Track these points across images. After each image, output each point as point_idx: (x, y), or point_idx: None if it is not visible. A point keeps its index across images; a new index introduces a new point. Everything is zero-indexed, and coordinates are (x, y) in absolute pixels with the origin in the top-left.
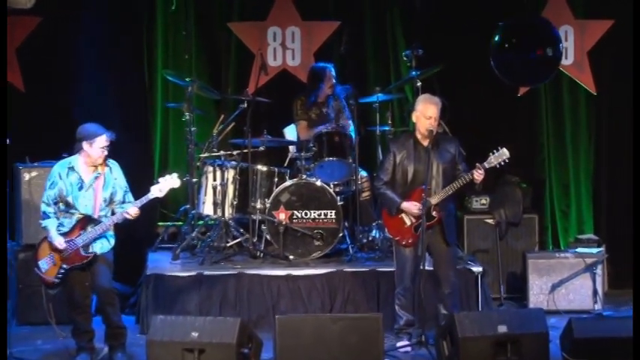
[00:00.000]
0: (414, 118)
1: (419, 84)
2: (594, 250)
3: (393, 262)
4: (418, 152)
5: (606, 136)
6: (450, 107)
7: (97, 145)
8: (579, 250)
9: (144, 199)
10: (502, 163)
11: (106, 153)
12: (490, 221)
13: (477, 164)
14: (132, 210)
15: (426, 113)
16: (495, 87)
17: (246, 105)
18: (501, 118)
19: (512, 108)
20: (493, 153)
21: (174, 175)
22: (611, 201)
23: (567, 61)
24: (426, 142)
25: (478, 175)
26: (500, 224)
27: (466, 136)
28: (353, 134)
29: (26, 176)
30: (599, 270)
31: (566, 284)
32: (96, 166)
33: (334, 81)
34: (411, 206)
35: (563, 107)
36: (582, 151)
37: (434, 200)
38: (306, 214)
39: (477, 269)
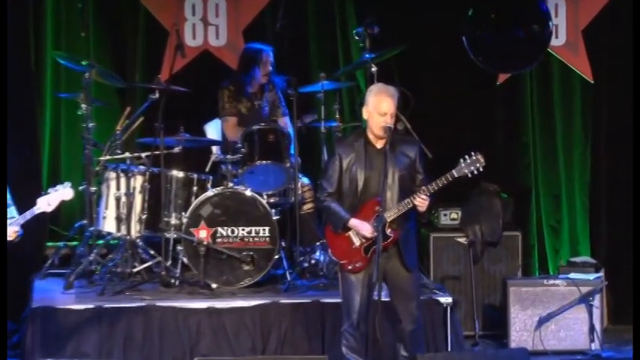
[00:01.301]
0: (364, 114)
1: (374, 69)
2: (591, 277)
3: (340, 291)
4: (370, 156)
5: (606, 135)
6: (413, 99)
7: None
8: (573, 276)
9: (27, 215)
10: (475, 172)
11: None
12: (462, 240)
13: (423, 187)
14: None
15: (379, 108)
16: (469, 74)
17: (158, 95)
18: (477, 113)
19: (491, 100)
20: (465, 160)
21: (67, 185)
22: (612, 216)
23: (558, 41)
24: (380, 144)
25: (420, 201)
26: (475, 244)
27: (433, 135)
28: (292, 132)
29: None
30: (597, 301)
31: (556, 318)
32: None
33: (271, 68)
34: (362, 225)
35: (552, 99)
36: (577, 153)
37: (388, 216)
38: (232, 231)
39: (445, 300)
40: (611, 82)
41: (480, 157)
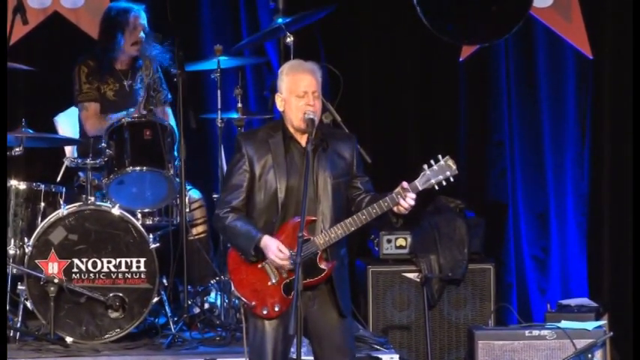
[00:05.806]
0: (279, 104)
1: (289, 40)
2: (590, 326)
3: (244, 347)
4: (293, 157)
5: (610, 131)
6: (344, 81)
7: None
8: (565, 325)
9: None
10: (444, 183)
11: None
12: (413, 276)
13: (404, 184)
14: None
15: (297, 89)
16: (423, 46)
17: None
18: (432, 100)
19: (452, 82)
20: (430, 166)
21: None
22: (617, 243)
23: (544, 1)
24: (303, 140)
25: (406, 201)
26: (430, 281)
27: (372, 131)
28: (175, 127)
29: None
30: (598, 358)
31: None
32: None
33: (143, 34)
34: (274, 252)
35: (536, 81)
36: (569, 156)
37: (321, 242)
38: (95, 265)
39: (389, 358)
40: (615, 59)
41: (449, 161)
